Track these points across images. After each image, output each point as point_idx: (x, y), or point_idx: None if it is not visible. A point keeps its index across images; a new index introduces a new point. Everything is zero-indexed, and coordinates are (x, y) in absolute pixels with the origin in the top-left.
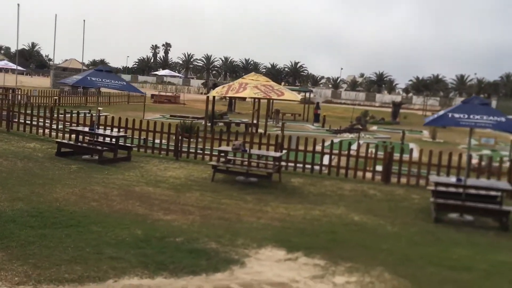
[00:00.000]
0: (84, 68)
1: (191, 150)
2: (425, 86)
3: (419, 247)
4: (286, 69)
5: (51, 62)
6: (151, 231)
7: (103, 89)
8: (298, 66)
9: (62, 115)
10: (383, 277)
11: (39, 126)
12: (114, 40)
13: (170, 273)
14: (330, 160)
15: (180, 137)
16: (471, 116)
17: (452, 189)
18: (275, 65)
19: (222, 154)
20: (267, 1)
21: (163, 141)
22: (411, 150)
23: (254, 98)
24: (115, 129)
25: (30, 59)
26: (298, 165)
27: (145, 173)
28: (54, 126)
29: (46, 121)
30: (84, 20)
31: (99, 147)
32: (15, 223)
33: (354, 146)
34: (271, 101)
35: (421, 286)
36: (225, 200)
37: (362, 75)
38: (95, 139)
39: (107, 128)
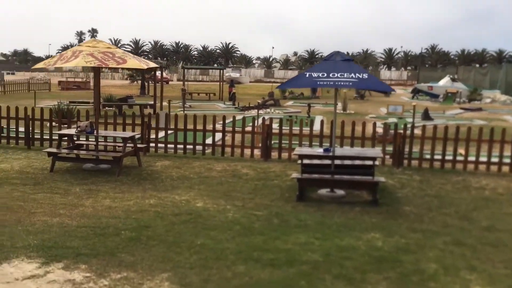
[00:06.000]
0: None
1: (45, 137)
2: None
3: (249, 237)
4: (218, 50)
5: None
6: None
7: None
8: (230, 47)
9: None
10: None
11: None
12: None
13: None
14: (201, 137)
15: (30, 122)
16: (331, 75)
17: (317, 161)
18: (206, 47)
19: (65, 139)
20: None
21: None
22: (311, 122)
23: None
24: None
25: None
26: (169, 146)
27: None
28: None
29: None
30: None
31: None
32: None
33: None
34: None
35: None
36: (40, 195)
37: (295, 54)
38: None
39: None
